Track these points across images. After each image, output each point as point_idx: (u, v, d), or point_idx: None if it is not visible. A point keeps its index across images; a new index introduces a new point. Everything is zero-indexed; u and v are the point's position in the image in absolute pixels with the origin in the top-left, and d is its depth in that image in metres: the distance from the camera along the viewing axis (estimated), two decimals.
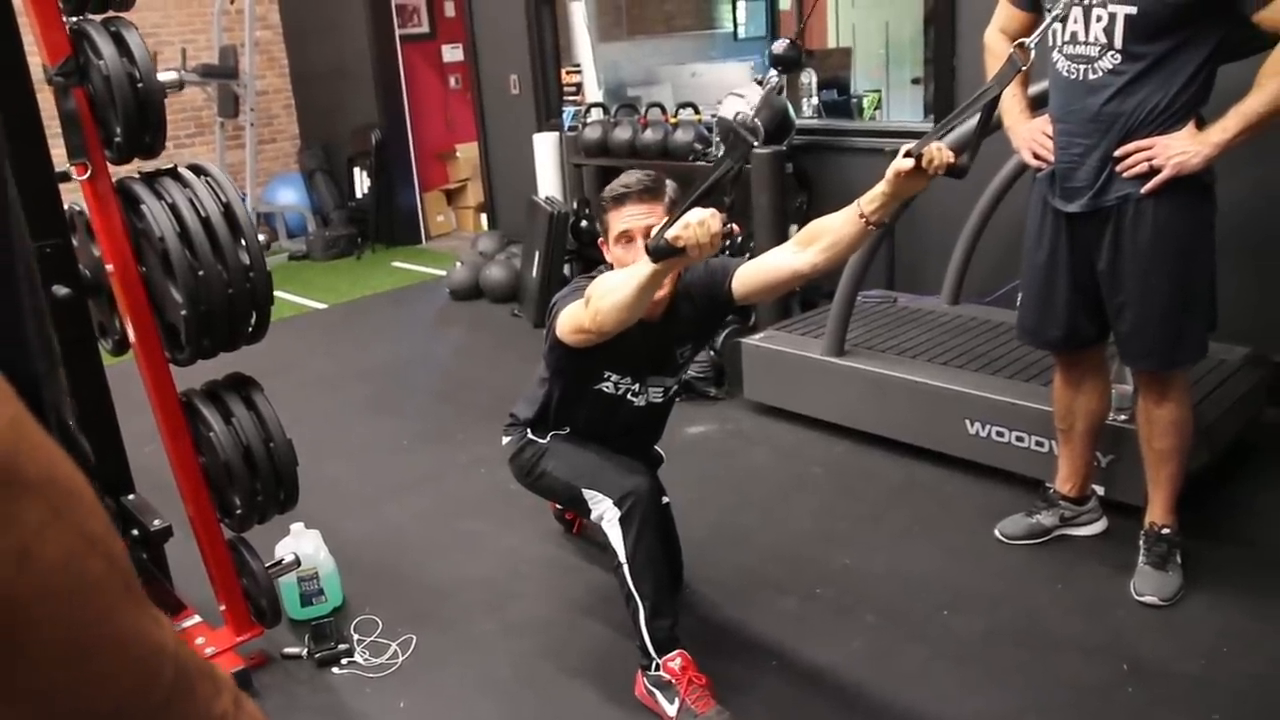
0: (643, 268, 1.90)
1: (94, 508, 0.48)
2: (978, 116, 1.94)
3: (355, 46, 7.17)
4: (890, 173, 1.86)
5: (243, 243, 2.26)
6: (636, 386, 2.43)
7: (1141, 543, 2.58)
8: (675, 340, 2.42)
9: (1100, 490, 2.84)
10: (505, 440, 2.61)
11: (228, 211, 2.24)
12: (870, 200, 1.93)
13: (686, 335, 2.43)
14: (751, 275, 2.24)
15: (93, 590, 0.48)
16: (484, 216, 7.24)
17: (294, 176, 7.66)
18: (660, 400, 2.50)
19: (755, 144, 1.87)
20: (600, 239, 2.35)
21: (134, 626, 0.51)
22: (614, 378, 2.39)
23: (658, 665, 2.20)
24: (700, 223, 1.79)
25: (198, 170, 2.29)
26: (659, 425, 2.63)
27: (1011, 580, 2.66)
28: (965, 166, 1.87)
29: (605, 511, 2.23)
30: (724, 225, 1.83)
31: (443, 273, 6.37)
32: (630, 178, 2.23)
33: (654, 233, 1.86)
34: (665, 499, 2.42)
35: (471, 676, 2.45)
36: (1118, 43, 2.24)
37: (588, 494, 2.28)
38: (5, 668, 0.46)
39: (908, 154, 1.82)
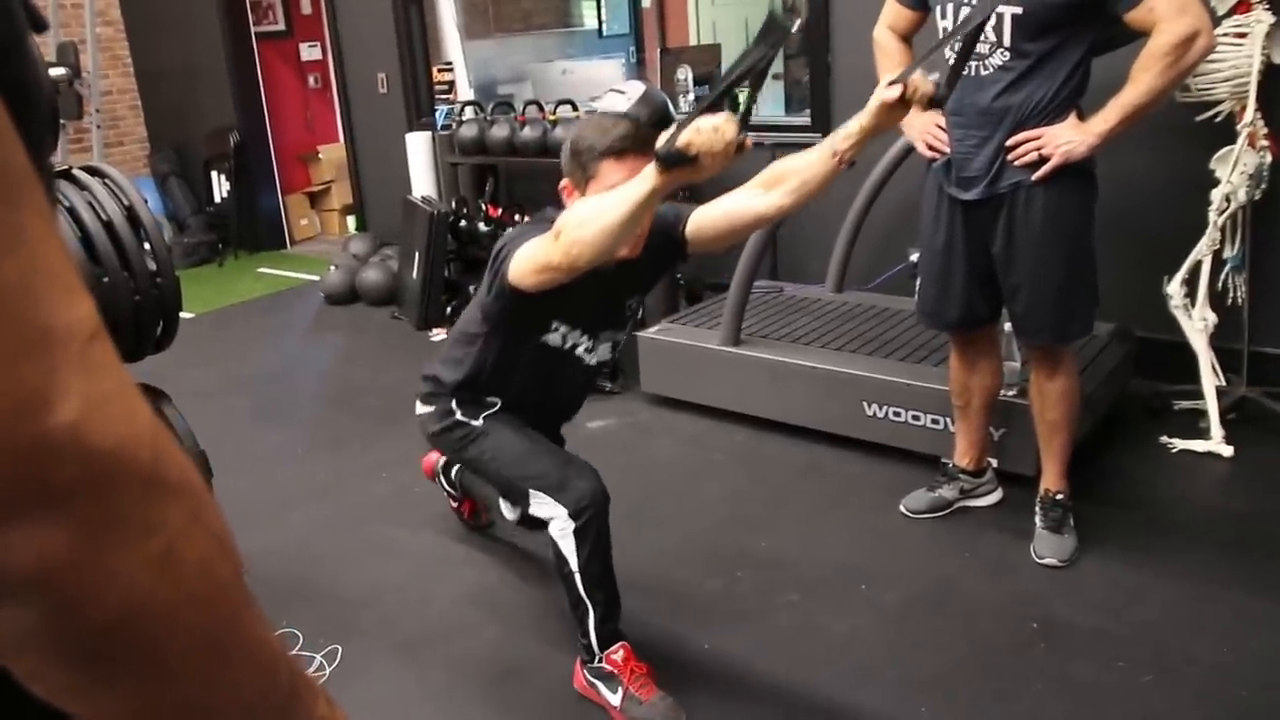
0: (638, 186, 1.70)
1: (218, 511, 0.49)
2: (958, 47, 1.94)
3: (207, 44, 6.88)
4: (874, 104, 1.82)
5: (147, 247, 2.17)
6: (588, 342, 2.30)
7: (1038, 509, 2.75)
8: (626, 290, 2.30)
9: (994, 462, 3.00)
10: (422, 410, 2.44)
11: (130, 214, 2.15)
12: (846, 137, 1.88)
13: (635, 286, 2.31)
14: (709, 220, 2.13)
15: (226, 594, 0.48)
16: (350, 219, 7.06)
17: (145, 181, 7.28)
18: (607, 357, 2.39)
19: (793, 29, 1.70)
20: (568, 187, 2.11)
21: (258, 631, 0.51)
22: (563, 329, 2.24)
23: (601, 659, 2.22)
24: (715, 128, 1.60)
25: (93, 171, 2.18)
26: (587, 392, 2.56)
27: (921, 552, 2.79)
28: (945, 97, 1.87)
29: (559, 521, 2.15)
30: (740, 134, 1.61)
31: (312, 277, 6.20)
32: (625, 126, 2.03)
33: (663, 139, 1.65)
34: None
35: (406, 683, 2.41)
36: (1006, 40, 2.38)
37: (535, 494, 2.19)
38: (146, 678, 0.46)
39: (892, 83, 1.80)
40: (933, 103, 1.83)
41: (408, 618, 2.67)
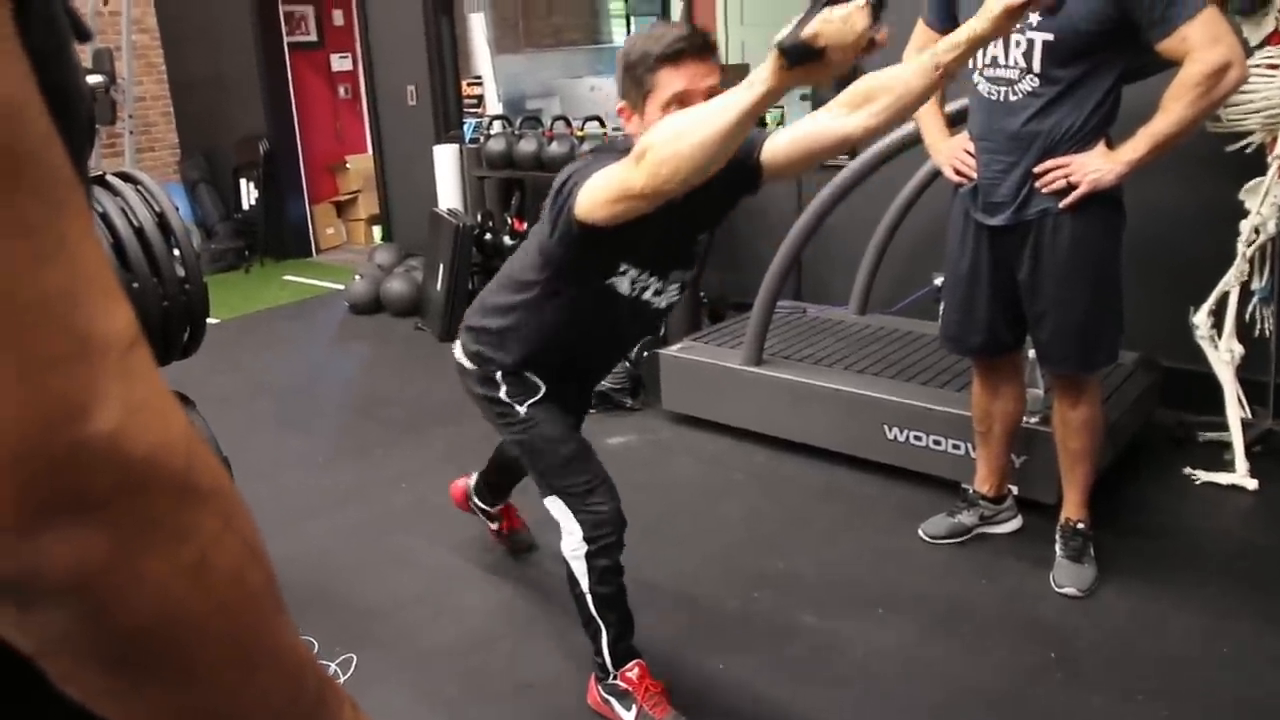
0: (748, 89, 1.50)
1: (250, 518, 0.49)
2: None
3: (240, 54, 6.96)
4: (996, 7, 1.67)
5: (177, 253, 2.19)
6: (658, 283, 2.09)
7: (1058, 537, 2.73)
8: (699, 223, 2.09)
9: (1015, 489, 2.98)
10: (464, 360, 2.26)
11: (161, 221, 2.17)
12: (952, 47, 1.71)
13: (706, 219, 2.11)
14: (786, 145, 1.94)
15: (257, 601, 0.48)
16: (376, 229, 7.12)
17: (175, 187, 7.37)
18: (676, 299, 2.18)
19: None
20: (625, 110, 1.92)
21: (287, 638, 0.52)
22: (632, 272, 2.03)
23: (616, 676, 2.21)
24: (844, 19, 1.42)
25: (127, 178, 2.21)
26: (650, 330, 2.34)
27: (938, 577, 2.77)
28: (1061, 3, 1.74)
29: (572, 541, 2.13)
30: (873, 25, 1.43)
31: (336, 286, 6.24)
32: (679, 28, 1.86)
33: (785, 31, 1.45)
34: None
35: (419, 694, 2.41)
36: (1036, 67, 2.38)
37: (554, 503, 2.16)
38: (177, 684, 0.46)
39: None
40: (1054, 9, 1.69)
41: (424, 629, 2.67)
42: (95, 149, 6.92)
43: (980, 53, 2.46)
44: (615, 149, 1.90)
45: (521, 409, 2.18)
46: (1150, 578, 2.69)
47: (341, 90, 7.58)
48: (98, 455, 0.39)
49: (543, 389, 2.19)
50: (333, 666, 2.49)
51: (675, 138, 1.58)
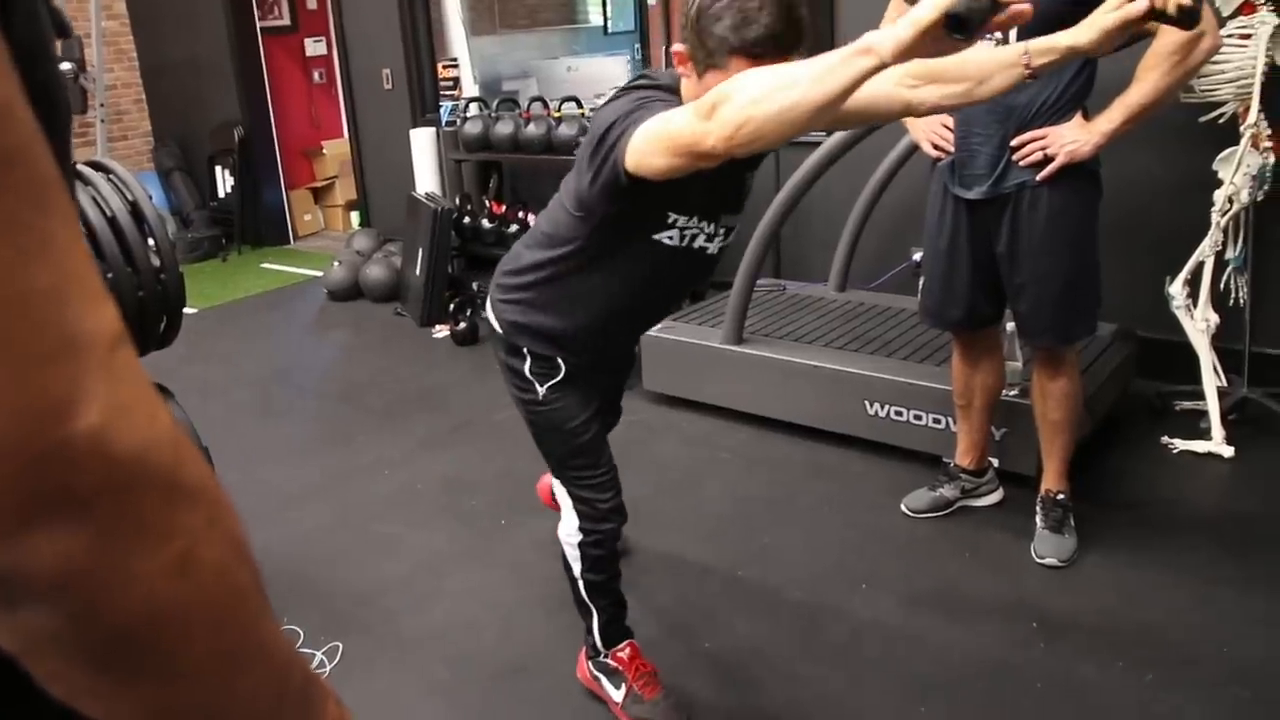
0: (859, 60, 1.32)
1: (235, 515, 0.49)
2: None
3: (213, 39, 6.88)
4: (1117, 20, 1.54)
5: (151, 243, 2.17)
6: (709, 228, 1.90)
7: (1039, 508, 2.75)
8: (747, 163, 1.85)
9: (995, 462, 3.00)
10: (493, 319, 2.09)
11: (135, 210, 2.15)
12: (1047, 50, 1.63)
13: (756, 157, 1.80)
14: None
15: (243, 599, 0.48)
16: (353, 215, 7.07)
17: (149, 175, 7.29)
18: (726, 243, 1.98)
19: None
20: (681, 57, 1.71)
21: (273, 635, 0.52)
22: (680, 221, 1.86)
23: (606, 654, 2.22)
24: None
25: (98, 167, 2.19)
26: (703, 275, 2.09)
27: (922, 551, 2.79)
28: (1198, 10, 1.58)
29: (569, 530, 2.13)
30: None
31: (315, 273, 6.20)
32: (769, 20, 1.60)
33: None
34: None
35: (409, 679, 2.42)
36: (1012, 38, 2.37)
37: (561, 487, 2.13)
38: (164, 682, 0.46)
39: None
40: (1189, 19, 1.54)
41: (410, 615, 2.67)
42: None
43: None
44: (659, 86, 1.75)
45: (541, 390, 2.04)
46: (1130, 546, 2.72)
47: (316, 75, 7.51)
48: (83, 453, 0.39)
49: (563, 371, 2.03)
50: (319, 655, 2.49)
51: (762, 98, 1.38)
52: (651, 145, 1.57)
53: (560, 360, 2.02)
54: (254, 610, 0.50)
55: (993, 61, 1.68)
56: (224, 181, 7.05)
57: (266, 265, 6.73)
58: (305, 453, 3.73)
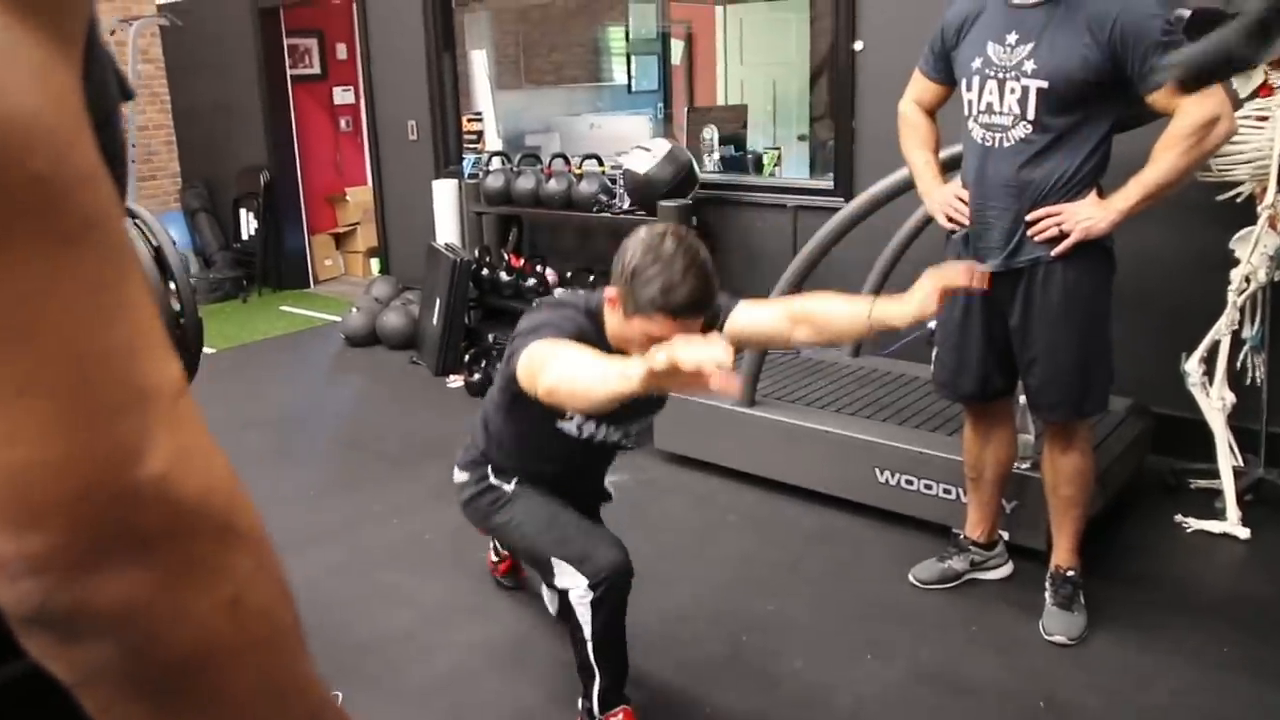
0: (625, 381, 1.57)
1: (279, 559, 0.52)
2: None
3: (244, 85, 7.03)
4: (927, 292, 1.96)
5: (173, 287, 2.19)
6: (611, 429, 2.28)
7: (1048, 585, 2.72)
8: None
9: (1006, 535, 2.98)
10: (460, 476, 2.45)
11: (158, 255, 2.17)
12: (892, 316, 2.01)
13: None
14: (746, 329, 2.15)
15: (286, 638, 0.51)
16: (374, 261, 7.15)
17: (175, 215, 7.42)
18: (629, 441, 2.36)
19: None
20: (614, 300, 2.03)
21: (309, 673, 0.54)
22: (578, 419, 2.21)
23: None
24: (697, 365, 1.43)
25: (126, 213, 2.22)
26: (613, 458, 2.50)
27: (928, 623, 2.76)
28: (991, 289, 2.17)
29: (577, 589, 2.15)
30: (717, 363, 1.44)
31: (333, 318, 6.26)
32: (690, 288, 1.91)
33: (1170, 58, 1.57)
34: None
35: None
36: (1030, 114, 2.40)
37: (558, 564, 2.18)
38: (213, 716, 0.48)
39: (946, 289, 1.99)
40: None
41: (411, 666, 2.65)
42: None
43: (975, 98, 2.49)
44: (575, 307, 2.10)
45: (510, 485, 2.35)
46: (1141, 626, 2.69)
47: (343, 123, 7.65)
48: (150, 497, 0.43)
49: (529, 471, 2.35)
50: None
51: (561, 384, 1.74)
52: (525, 375, 1.90)
53: (521, 469, 2.36)
54: (296, 649, 0.52)
55: (850, 321, 2.06)
56: (248, 224, 7.15)
57: (286, 308, 6.79)
58: (316, 498, 3.74)
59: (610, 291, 2.05)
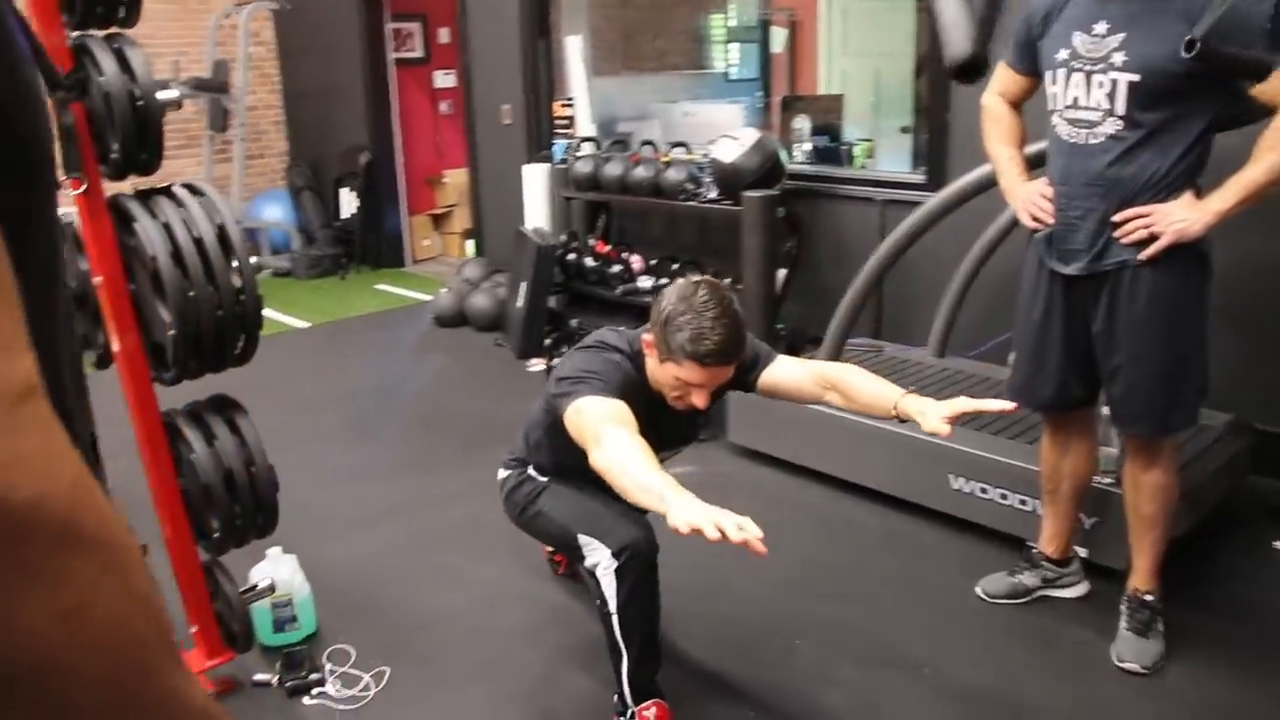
0: (660, 501, 1.70)
1: (140, 566, 0.49)
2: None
3: (348, 68, 7.17)
4: (934, 424, 2.01)
5: (235, 264, 2.23)
6: None
7: (1124, 608, 2.57)
8: (689, 420, 2.36)
9: (1083, 552, 2.83)
10: (502, 474, 2.53)
11: (221, 233, 2.21)
12: (914, 413, 2.06)
13: (698, 414, 2.34)
14: (779, 384, 2.28)
15: (136, 648, 0.48)
16: (469, 242, 7.23)
17: (280, 193, 7.63)
18: (667, 459, 2.38)
19: None
20: (649, 344, 2.16)
21: (172, 686, 0.51)
22: None
23: (633, 714, 2.17)
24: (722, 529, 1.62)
25: (193, 189, 2.26)
26: None
27: (992, 640, 2.64)
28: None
29: (601, 561, 2.16)
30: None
31: (426, 297, 6.35)
32: (717, 338, 2.03)
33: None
34: None
35: (444, 714, 2.40)
36: (1119, 109, 2.26)
37: (583, 540, 2.21)
38: None
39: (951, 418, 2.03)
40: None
41: (459, 647, 2.66)
42: (206, 154, 7.16)
43: (1060, 92, 2.36)
44: (619, 350, 2.21)
45: (545, 477, 2.43)
46: (1224, 660, 2.52)
47: (444, 106, 7.74)
48: None
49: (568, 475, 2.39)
50: (366, 678, 2.50)
51: (608, 469, 1.86)
52: (573, 428, 2.02)
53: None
54: (154, 661, 0.50)
55: (879, 403, 2.12)
56: (348, 203, 7.30)
57: (381, 286, 6.92)
58: (386, 475, 3.79)
59: (647, 336, 2.16)
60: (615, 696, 2.22)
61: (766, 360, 2.29)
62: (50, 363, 0.67)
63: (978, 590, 2.82)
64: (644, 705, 2.17)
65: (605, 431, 1.92)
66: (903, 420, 2.13)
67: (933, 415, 2.01)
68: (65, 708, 0.45)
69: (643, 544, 2.15)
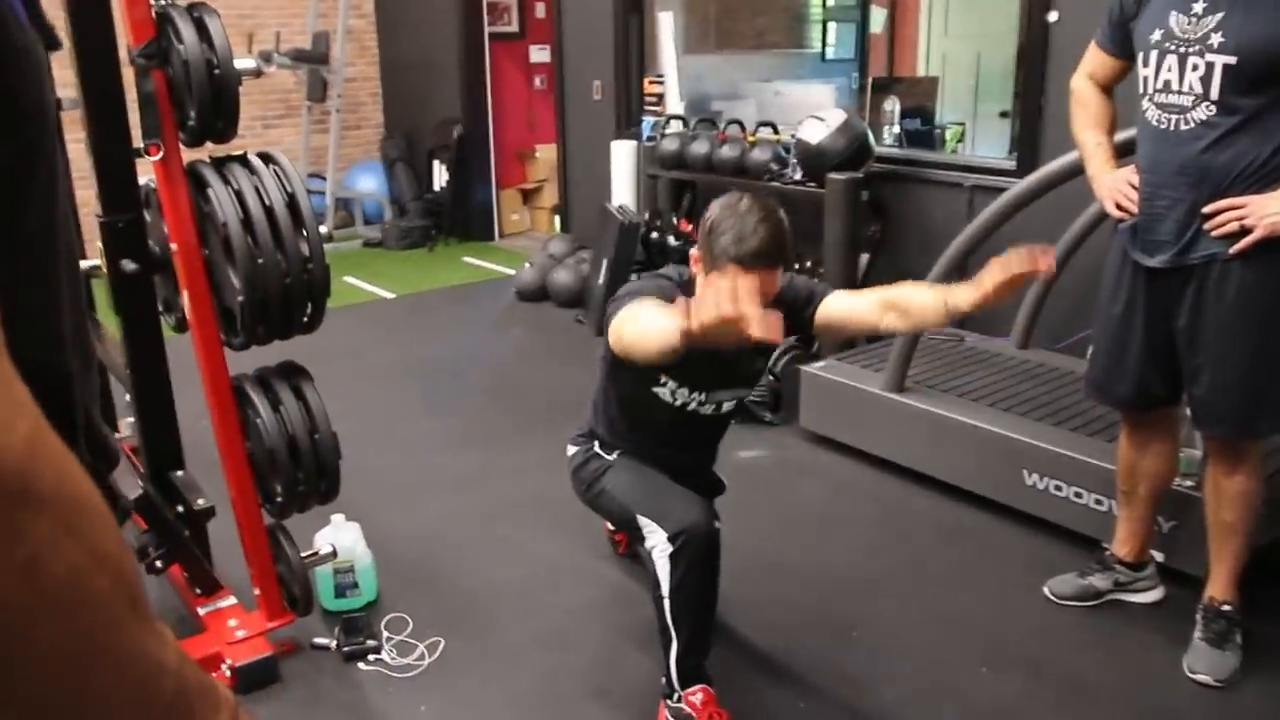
0: (671, 329, 1.67)
1: (105, 524, 0.50)
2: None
3: (444, 41, 7.25)
4: (996, 280, 1.91)
5: (304, 233, 2.27)
6: (700, 396, 2.30)
7: (1199, 617, 2.46)
8: (747, 358, 2.31)
9: (1160, 557, 2.72)
10: (570, 450, 2.52)
11: (291, 202, 2.25)
12: (965, 301, 1.98)
13: (758, 353, 2.34)
14: (836, 314, 2.20)
15: (96, 606, 0.49)
16: (558, 218, 7.26)
17: (375, 164, 7.76)
18: (732, 408, 2.39)
19: None
20: (696, 258, 2.14)
21: (135, 644, 0.52)
22: (671, 385, 2.27)
23: (679, 697, 2.16)
24: (725, 320, 1.51)
25: (266, 158, 2.30)
26: (719, 437, 2.51)
27: (1057, 642, 2.56)
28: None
29: (658, 544, 2.14)
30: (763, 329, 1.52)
31: (512, 271, 6.40)
32: (760, 239, 2.01)
33: None
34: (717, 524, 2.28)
35: (495, 687, 2.43)
36: (1214, 94, 2.14)
37: (643, 521, 2.18)
38: (3, 676, 0.47)
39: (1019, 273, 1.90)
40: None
41: (515, 622, 2.69)
42: (305, 123, 7.29)
43: (1151, 75, 2.24)
44: (669, 279, 2.23)
45: (612, 455, 2.39)
46: None
47: (537, 81, 7.77)
48: None
49: (633, 444, 2.39)
50: (420, 647, 2.54)
51: (629, 332, 1.90)
52: (610, 332, 2.02)
53: (625, 444, 2.40)
54: (113, 618, 0.50)
55: (932, 309, 2.05)
56: (440, 175, 7.40)
57: (468, 259, 7.01)
58: (457, 446, 3.84)
59: (694, 252, 2.16)
60: (663, 679, 2.21)
61: (822, 295, 2.23)
62: (43, 324, 0.68)
63: (1045, 591, 2.73)
64: (691, 690, 2.16)
65: (631, 312, 1.93)
66: (957, 319, 2.10)
67: (976, 290, 1.96)
68: (21, 657, 0.46)
69: (700, 529, 2.11)
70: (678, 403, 2.29)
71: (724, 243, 2.03)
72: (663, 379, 2.25)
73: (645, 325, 1.83)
